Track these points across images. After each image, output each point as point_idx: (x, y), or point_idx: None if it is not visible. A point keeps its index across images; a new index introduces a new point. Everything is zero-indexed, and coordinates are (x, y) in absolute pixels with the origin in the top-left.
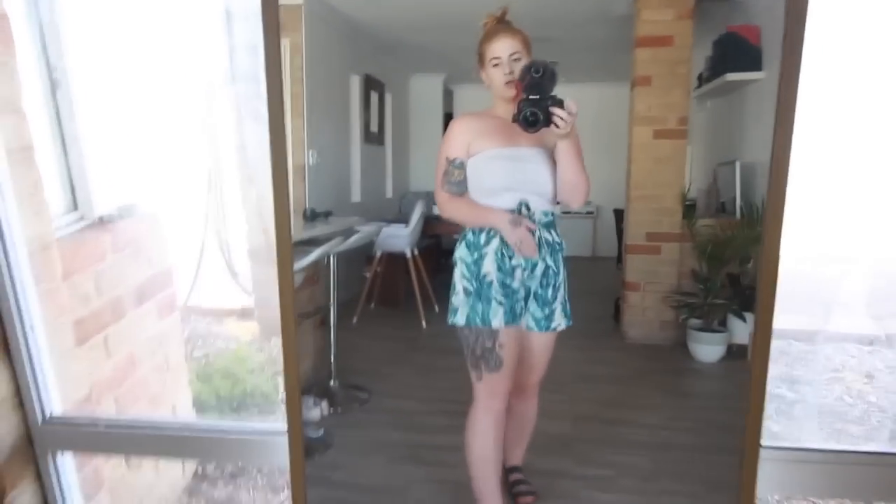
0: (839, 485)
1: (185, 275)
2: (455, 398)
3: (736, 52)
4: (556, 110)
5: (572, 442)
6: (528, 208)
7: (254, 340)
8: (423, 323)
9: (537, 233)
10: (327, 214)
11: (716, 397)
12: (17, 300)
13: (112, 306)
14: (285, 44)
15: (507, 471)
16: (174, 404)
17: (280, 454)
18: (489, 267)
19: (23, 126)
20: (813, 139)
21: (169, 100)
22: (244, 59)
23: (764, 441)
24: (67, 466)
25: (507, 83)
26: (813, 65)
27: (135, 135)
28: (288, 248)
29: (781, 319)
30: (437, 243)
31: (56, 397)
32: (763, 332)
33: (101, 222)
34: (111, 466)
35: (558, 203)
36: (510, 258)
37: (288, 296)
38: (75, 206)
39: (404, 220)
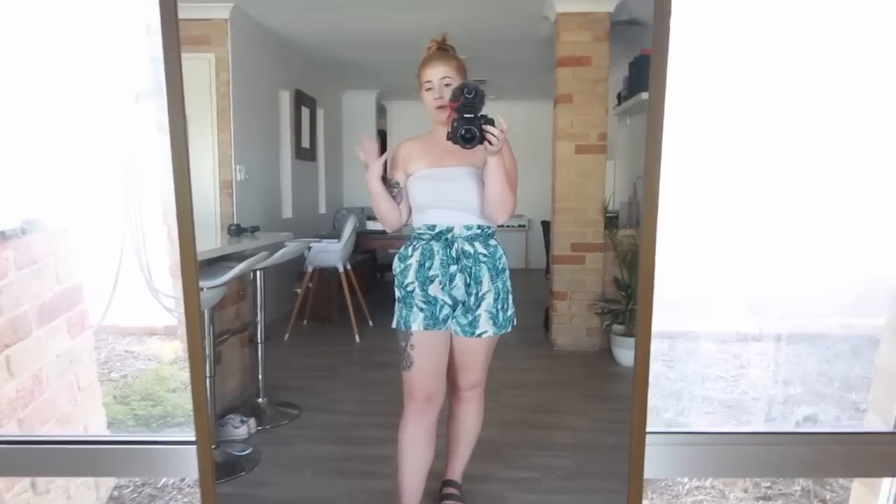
0: (722, 463)
1: (100, 293)
2: (387, 410)
3: (649, 73)
4: (488, 128)
5: (500, 447)
6: (448, 230)
7: (177, 359)
8: (357, 338)
9: (456, 245)
10: (254, 230)
11: None
12: None
13: (14, 325)
14: (210, 58)
15: (442, 483)
16: (86, 425)
17: (190, 464)
18: (411, 277)
19: None
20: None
21: (81, 112)
22: (160, 71)
23: (650, 427)
24: None
25: (438, 107)
26: (686, 81)
27: (43, 148)
28: (192, 258)
29: (693, 321)
30: (373, 258)
31: None
32: (643, 330)
33: (4, 237)
34: (14, 492)
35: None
36: (428, 269)
37: (193, 304)
38: None
39: (338, 235)
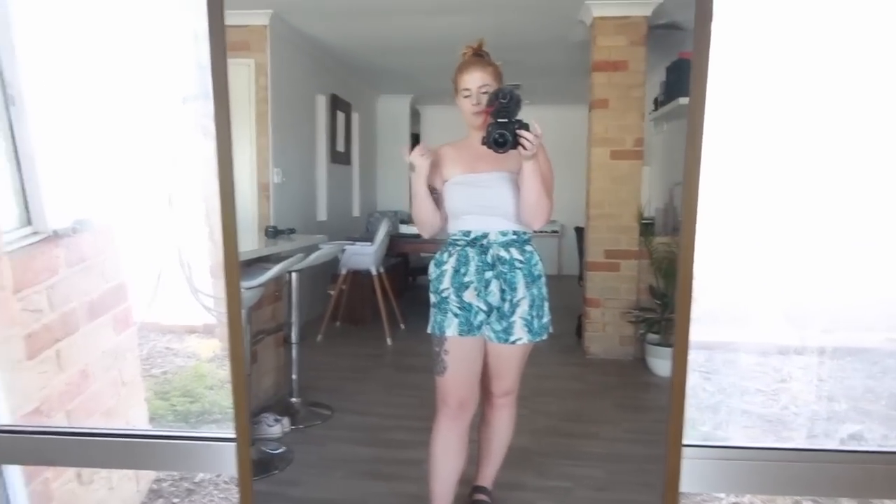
0: (760, 480)
1: (143, 291)
2: (417, 414)
3: (687, 78)
4: (522, 132)
5: (531, 455)
6: (484, 236)
7: (215, 357)
8: (389, 340)
9: (491, 251)
10: (290, 232)
11: None
12: None
13: (65, 320)
14: (250, 63)
15: (473, 488)
16: (128, 419)
17: (229, 461)
18: (447, 283)
19: None
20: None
21: (130, 116)
22: (206, 76)
23: (686, 440)
24: (14, 479)
25: (475, 113)
26: (726, 85)
27: (93, 150)
28: (234, 260)
29: (732, 332)
30: (405, 262)
31: (4, 409)
32: (681, 339)
33: (56, 236)
34: (61, 481)
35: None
36: (463, 275)
37: (235, 304)
38: (29, 221)
39: (371, 238)
